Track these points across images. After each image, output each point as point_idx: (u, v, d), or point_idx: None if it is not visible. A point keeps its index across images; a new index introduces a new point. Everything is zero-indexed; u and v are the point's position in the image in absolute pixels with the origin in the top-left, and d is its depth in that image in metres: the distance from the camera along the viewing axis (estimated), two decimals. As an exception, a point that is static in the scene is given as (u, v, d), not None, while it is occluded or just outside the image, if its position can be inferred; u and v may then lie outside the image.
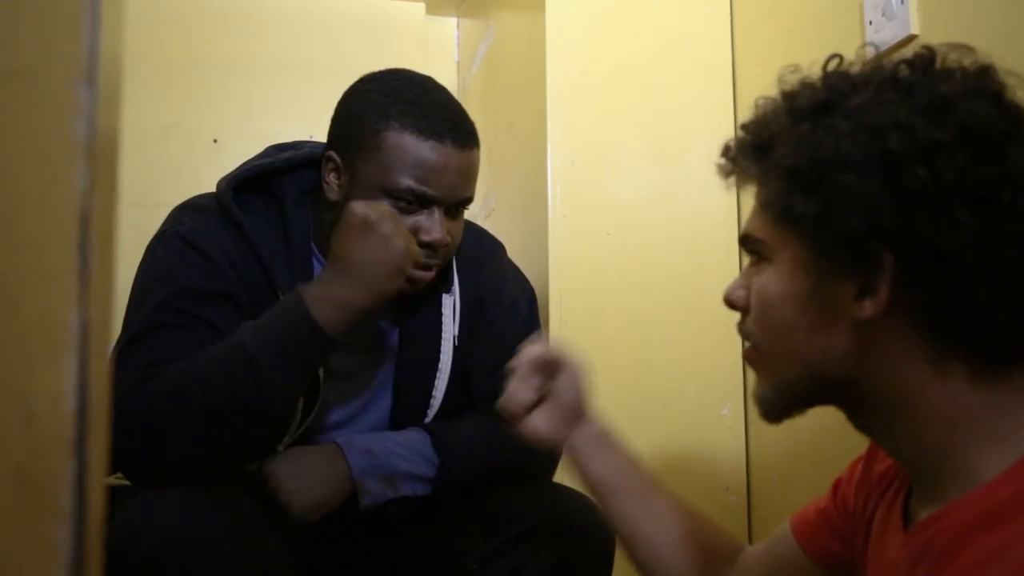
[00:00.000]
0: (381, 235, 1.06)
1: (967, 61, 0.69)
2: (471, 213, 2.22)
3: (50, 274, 0.36)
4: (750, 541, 1.59)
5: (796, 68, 0.74)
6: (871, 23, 1.27)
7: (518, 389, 0.98)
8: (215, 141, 2.22)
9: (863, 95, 0.68)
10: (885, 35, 1.24)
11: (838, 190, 0.66)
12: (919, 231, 0.64)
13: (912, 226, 0.64)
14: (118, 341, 1.10)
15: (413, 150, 1.12)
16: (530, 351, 0.99)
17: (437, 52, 2.46)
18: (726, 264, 1.65)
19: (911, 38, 1.20)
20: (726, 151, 0.77)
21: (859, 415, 0.76)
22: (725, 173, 0.78)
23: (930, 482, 0.71)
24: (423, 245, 1.14)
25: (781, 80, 0.74)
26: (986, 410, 0.67)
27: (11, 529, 0.35)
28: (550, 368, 0.99)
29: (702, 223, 1.65)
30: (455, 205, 1.16)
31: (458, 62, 2.51)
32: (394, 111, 1.13)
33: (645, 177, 1.66)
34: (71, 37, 0.37)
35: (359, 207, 1.08)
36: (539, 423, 0.98)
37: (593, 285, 1.61)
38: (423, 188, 1.12)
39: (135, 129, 2.13)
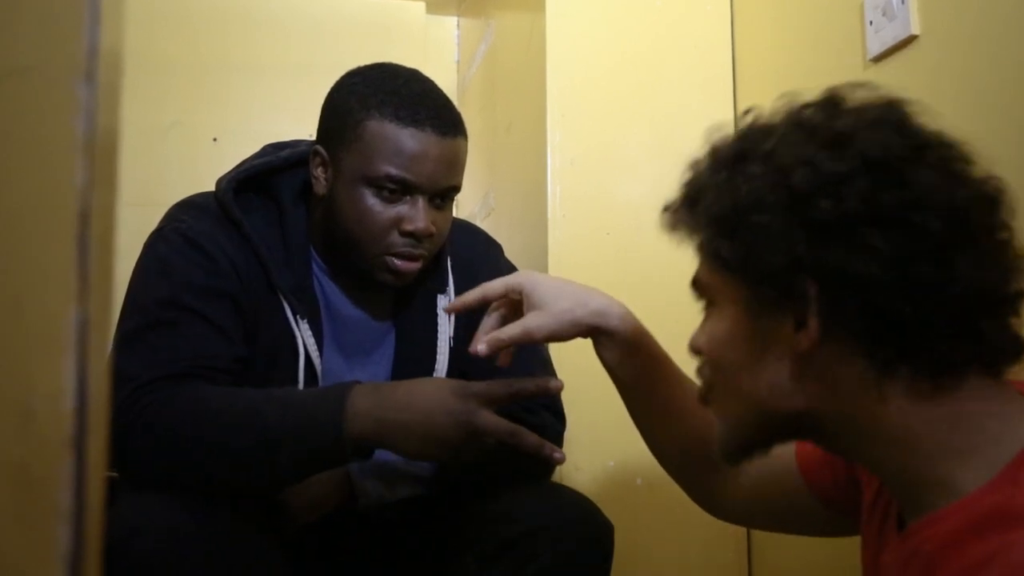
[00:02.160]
0: (471, 429, 1.02)
1: (871, 97, 0.74)
2: (470, 213, 2.22)
3: (49, 272, 0.36)
4: (748, 541, 1.59)
5: (719, 127, 0.79)
6: (871, 23, 1.27)
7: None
8: (215, 140, 2.22)
9: (772, 140, 0.72)
10: (886, 35, 1.24)
11: (755, 231, 0.70)
12: (834, 260, 0.67)
13: (827, 256, 0.67)
14: (116, 335, 1.10)
15: (393, 138, 1.12)
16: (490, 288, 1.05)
17: (437, 51, 2.46)
18: (726, 264, 1.65)
19: (912, 38, 1.20)
20: (666, 208, 0.81)
21: (823, 443, 0.79)
22: (669, 227, 0.81)
23: (909, 493, 0.73)
24: (406, 234, 1.14)
25: (708, 138, 0.79)
26: (944, 425, 0.69)
27: (10, 528, 0.35)
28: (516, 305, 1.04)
29: (702, 223, 1.65)
30: (439, 194, 1.16)
31: (458, 61, 2.51)
32: (375, 101, 1.14)
33: (645, 177, 1.66)
34: (70, 35, 0.37)
35: (495, 422, 1.02)
36: (531, 322, 1.00)
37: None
38: (403, 175, 1.12)
39: (138, 129, 2.12)
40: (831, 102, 0.74)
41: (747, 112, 0.78)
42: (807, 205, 0.68)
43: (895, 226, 0.66)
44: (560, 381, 1.07)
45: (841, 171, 0.68)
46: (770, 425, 0.76)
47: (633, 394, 1.04)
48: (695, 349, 0.81)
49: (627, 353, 1.02)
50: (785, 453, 0.98)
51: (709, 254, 0.76)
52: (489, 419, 1.01)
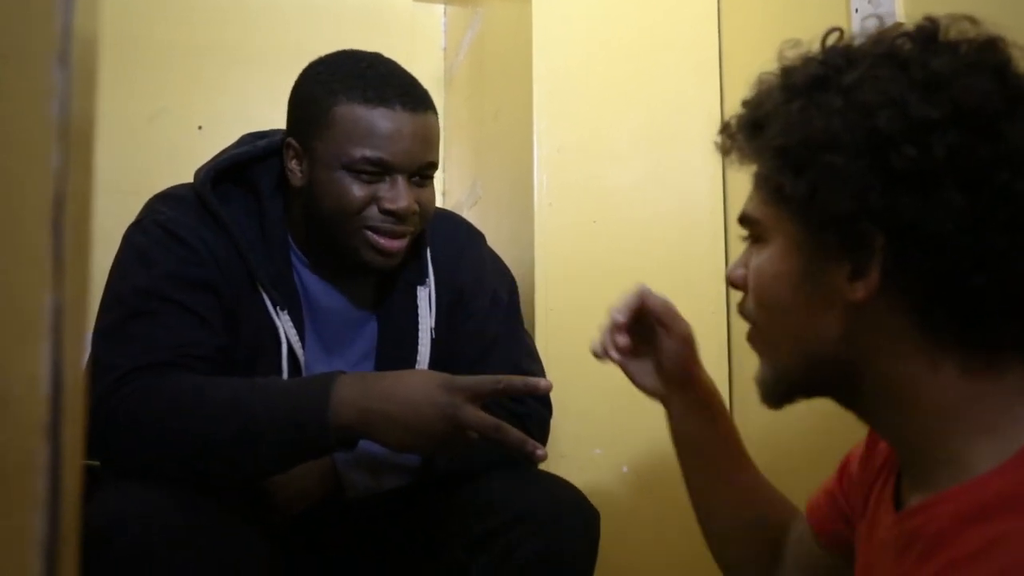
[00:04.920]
0: (457, 423, 1.01)
1: (971, 33, 0.67)
2: (457, 201, 2.22)
3: (23, 257, 0.35)
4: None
5: (797, 43, 0.73)
6: (857, 10, 1.27)
7: (610, 331, 0.99)
8: (200, 128, 2.20)
9: (857, 71, 0.67)
10: (871, 22, 1.24)
11: (826, 171, 0.65)
12: (908, 212, 0.63)
13: (901, 207, 0.63)
14: (96, 325, 1.09)
15: (364, 120, 1.12)
16: (633, 296, 1.00)
17: (424, 39, 2.44)
18: (712, 253, 1.65)
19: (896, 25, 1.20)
20: (724, 128, 0.76)
21: (854, 400, 0.76)
22: (723, 150, 0.77)
23: (920, 468, 0.71)
24: (387, 213, 1.13)
25: (781, 55, 0.73)
26: (980, 401, 0.66)
27: (-15, 515, 0.35)
28: (650, 323, 1.00)
29: (689, 212, 1.65)
30: (418, 171, 1.15)
31: (445, 49, 2.50)
32: (340, 86, 1.13)
33: (632, 165, 1.66)
34: (44, 18, 0.36)
35: (477, 418, 1.02)
36: (639, 374, 1.00)
37: (579, 274, 1.60)
38: (380, 155, 1.12)
39: (122, 116, 2.11)
40: (927, 35, 0.68)
41: (831, 32, 0.72)
42: (889, 150, 0.63)
43: (979, 184, 0.61)
44: (548, 381, 1.07)
45: (932, 117, 0.62)
46: (813, 372, 0.74)
47: (699, 454, 1.01)
48: (734, 282, 0.78)
49: (703, 406, 1.01)
50: (802, 517, 0.96)
51: (768, 188, 0.71)
52: (473, 413, 1.01)
